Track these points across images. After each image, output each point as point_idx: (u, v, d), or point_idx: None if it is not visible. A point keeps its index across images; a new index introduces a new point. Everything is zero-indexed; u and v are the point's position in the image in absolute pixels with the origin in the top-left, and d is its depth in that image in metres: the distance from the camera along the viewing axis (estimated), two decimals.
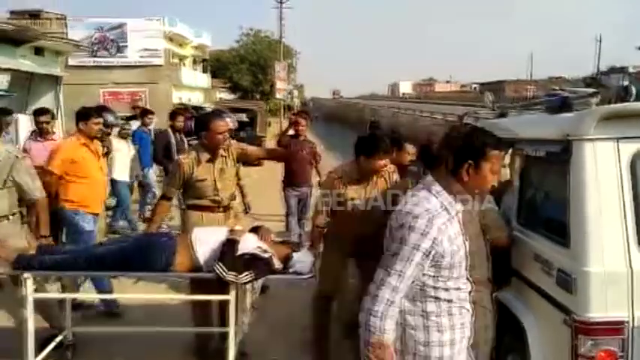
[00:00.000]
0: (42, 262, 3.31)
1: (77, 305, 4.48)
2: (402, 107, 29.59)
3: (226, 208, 4.08)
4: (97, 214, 4.75)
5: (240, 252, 3.29)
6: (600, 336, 2.23)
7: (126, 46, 29.37)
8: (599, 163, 2.33)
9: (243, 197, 5.92)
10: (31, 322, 3.26)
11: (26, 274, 3.20)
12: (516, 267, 2.97)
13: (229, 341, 3.36)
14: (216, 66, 43.60)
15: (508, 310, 2.94)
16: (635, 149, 2.33)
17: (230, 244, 3.32)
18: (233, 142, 4.14)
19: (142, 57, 29.47)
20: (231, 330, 3.34)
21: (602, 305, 2.23)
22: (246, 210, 5.99)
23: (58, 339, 3.70)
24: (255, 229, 3.70)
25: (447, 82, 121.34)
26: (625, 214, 2.28)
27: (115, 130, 7.35)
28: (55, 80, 15.07)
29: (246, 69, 42.21)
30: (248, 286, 3.32)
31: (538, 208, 2.92)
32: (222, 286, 3.29)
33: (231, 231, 3.47)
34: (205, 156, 3.90)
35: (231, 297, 3.27)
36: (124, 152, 7.57)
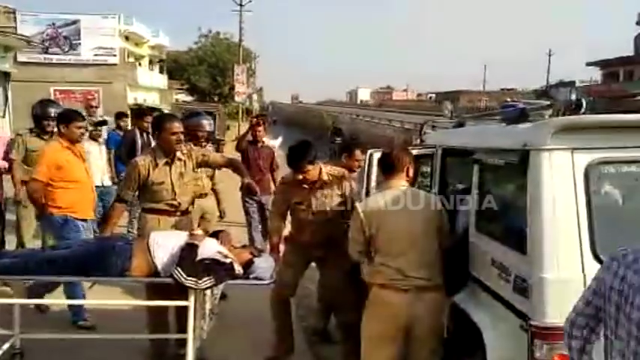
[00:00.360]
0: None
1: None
2: (361, 114, 29.90)
3: (185, 212, 3.99)
4: (85, 220, 4.53)
5: (200, 257, 3.23)
6: (556, 340, 2.28)
7: (79, 44, 28.41)
8: (555, 173, 2.40)
9: (218, 203, 5.79)
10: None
11: None
12: (474, 272, 3.02)
13: (188, 347, 3.28)
14: (174, 67, 42.84)
15: (465, 315, 2.99)
16: (590, 159, 2.42)
17: (189, 249, 3.25)
18: (195, 147, 4.09)
19: (96, 55, 28.58)
20: (190, 336, 3.27)
21: (557, 310, 2.29)
22: (221, 215, 5.88)
23: (6, 346, 3.52)
24: (215, 234, 3.64)
25: (404, 90, 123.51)
26: (579, 222, 2.36)
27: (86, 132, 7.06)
28: (4, 76, 14.41)
29: (205, 71, 41.69)
30: (208, 292, 3.25)
31: (496, 215, 2.98)
32: (180, 291, 3.21)
33: (191, 235, 3.39)
34: (162, 159, 3.82)
35: (190, 303, 3.20)
36: (95, 155, 7.22)
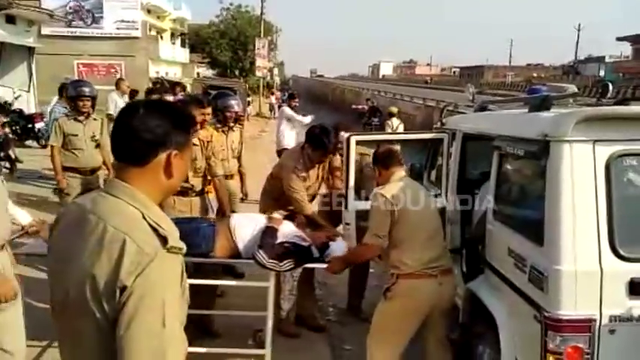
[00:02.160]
0: None
1: None
2: (381, 90, 29.58)
3: (200, 193, 4.06)
4: None
5: (280, 240, 3.30)
6: (569, 333, 2.30)
7: (102, 17, 28.47)
8: (576, 164, 2.37)
9: (242, 184, 5.87)
10: None
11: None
12: (491, 260, 3.03)
13: (267, 326, 3.38)
14: (196, 40, 42.75)
15: (480, 302, 3.02)
16: (611, 152, 2.38)
17: (270, 232, 3.33)
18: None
19: (118, 28, 28.63)
20: (270, 315, 3.36)
21: (572, 303, 2.30)
22: (243, 198, 5.95)
23: None
24: (291, 217, 3.69)
25: (428, 64, 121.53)
26: (598, 215, 2.34)
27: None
28: (28, 51, 14.59)
29: (226, 44, 41.49)
30: (288, 274, 3.34)
31: (514, 204, 2.97)
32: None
33: (270, 218, 3.48)
34: None
35: (270, 284, 3.30)
36: None
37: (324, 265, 3.40)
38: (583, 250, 2.32)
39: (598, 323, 2.30)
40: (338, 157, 4.16)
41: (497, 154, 3.07)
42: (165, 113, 1.39)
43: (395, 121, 11.22)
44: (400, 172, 3.28)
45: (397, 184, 3.19)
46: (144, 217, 1.31)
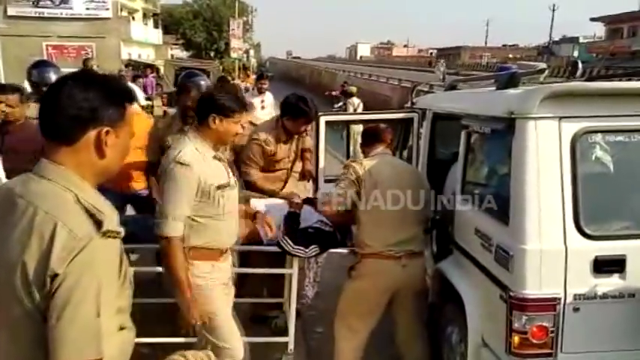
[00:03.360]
0: None
1: None
2: (358, 71, 29.46)
3: None
4: None
5: (303, 225, 3.24)
6: (534, 312, 2.28)
7: None
8: (541, 142, 2.33)
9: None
10: None
11: None
12: (459, 240, 3.01)
13: (291, 313, 3.34)
14: (169, 21, 41.85)
15: (449, 282, 2.99)
16: (577, 128, 2.34)
17: (293, 218, 3.26)
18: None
19: (88, 9, 27.85)
20: (293, 302, 3.32)
21: (536, 282, 2.28)
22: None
23: None
24: (309, 201, 3.59)
25: (405, 46, 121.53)
26: (563, 194, 2.31)
27: None
28: None
29: (200, 25, 40.76)
30: (312, 260, 3.27)
31: (481, 184, 2.94)
32: (275, 258, 3.29)
33: (291, 203, 3.40)
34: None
35: (294, 270, 3.25)
36: None
37: (347, 250, 3.38)
38: (548, 228, 2.29)
39: (563, 302, 2.29)
40: (308, 138, 4.05)
41: (465, 132, 3.02)
42: (94, 86, 1.28)
43: (355, 100, 11.48)
44: (378, 149, 3.21)
45: (372, 159, 3.15)
46: (78, 200, 1.22)
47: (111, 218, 1.26)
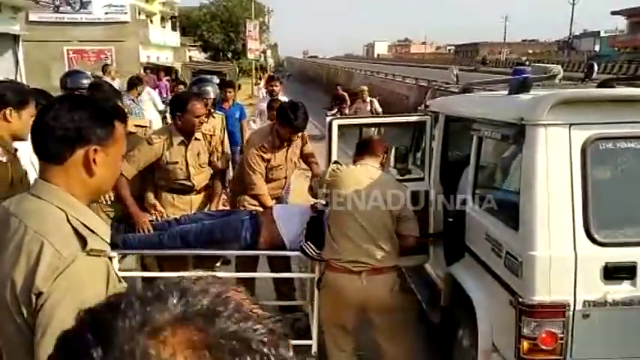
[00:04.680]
0: (125, 240, 3.19)
1: None
2: (374, 70, 29.37)
3: (201, 190, 3.88)
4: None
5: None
6: (543, 318, 2.29)
7: (90, 2, 28.08)
8: (551, 148, 2.34)
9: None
10: None
11: (112, 253, 3.08)
12: (469, 244, 3.02)
13: (313, 316, 3.37)
14: (187, 23, 42.19)
15: (460, 286, 3.01)
16: (587, 135, 2.34)
17: (316, 223, 3.30)
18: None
19: (107, 13, 28.25)
20: (316, 305, 3.32)
21: (546, 288, 2.28)
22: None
23: None
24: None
25: (423, 43, 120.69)
26: (573, 200, 2.31)
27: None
28: (13, 38, 14.37)
29: (218, 27, 41.05)
30: None
31: (492, 189, 2.95)
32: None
33: (314, 209, 3.45)
34: (178, 137, 3.64)
35: (315, 275, 3.26)
36: None
37: None
38: (558, 235, 2.30)
39: (572, 308, 2.29)
40: (309, 144, 4.08)
41: (477, 137, 3.03)
42: (80, 107, 1.32)
43: (374, 102, 10.28)
44: (363, 161, 3.15)
45: (350, 169, 3.14)
46: (68, 219, 1.27)
47: (99, 235, 1.29)
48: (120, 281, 1.37)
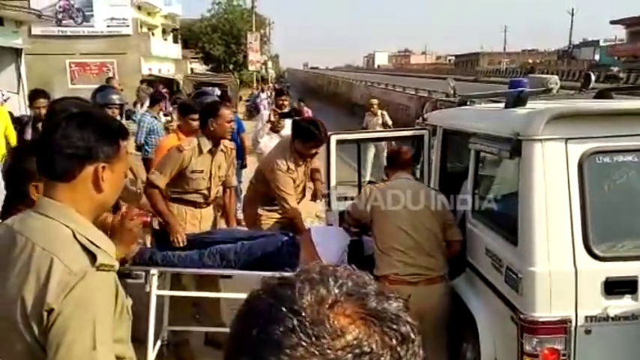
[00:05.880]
0: (165, 257, 3.14)
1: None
2: (374, 81, 29.47)
3: (210, 204, 3.81)
4: None
5: (367, 253, 3.29)
6: (545, 335, 2.27)
7: (92, 15, 28.26)
8: (548, 163, 2.33)
9: None
10: (153, 319, 3.06)
11: (153, 271, 3.01)
12: (470, 259, 3.00)
13: None
14: (188, 36, 42.46)
15: (462, 301, 2.99)
16: (584, 149, 2.34)
17: (356, 246, 3.30)
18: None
19: (109, 26, 28.43)
20: None
21: (546, 304, 2.27)
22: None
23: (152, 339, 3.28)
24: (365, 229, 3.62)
25: (423, 53, 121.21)
26: (572, 214, 2.30)
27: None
28: (15, 52, 14.47)
29: (219, 39, 41.25)
30: None
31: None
32: None
33: (352, 232, 3.42)
34: (207, 146, 3.54)
35: None
36: None
37: None
38: (557, 250, 2.28)
39: (574, 324, 2.27)
40: (316, 159, 4.08)
41: (474, 151, 3.03)
42: (88, 125, 1.34)
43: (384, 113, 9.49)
44: (398, 174, 3.25)
45: (389, 186, 3.20)
46: (75, 236, 1.27)
47: (107, 252, 1.30)
48: (126, 296, 1.37)
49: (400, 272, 2.95)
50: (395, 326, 0.59)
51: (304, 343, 0.55)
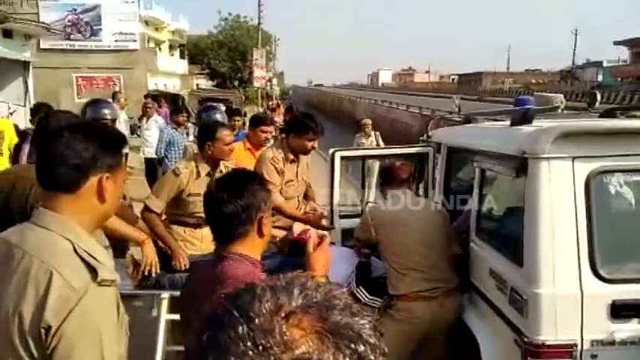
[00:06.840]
0: (173, 280, 3.04)
1: None
2: (379, 98, 29.60)
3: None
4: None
5: (374, 275, 3.24)
6: (550, 358, 2.21)
7: (100, 30, 28.56)
8: (554, 182, 2.29)
9: None
10: (162, 343, 2.95)
11: (164, 294, 2.95)
12: (473, 280, 2.95)
13: None
14: (194, 51, 42.85)
15: (464, 323, 2.93)
16: (591, 168, 2.30)
17: (365, 267, 3.26)
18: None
19: (117, 41, 28.72)
20: None
21: (552, 328, 2.21)
22: None
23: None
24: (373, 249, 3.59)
25: (427, 72, 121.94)
26: (578, 235, 2.25)
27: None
28: (23, 65, 14.60)
29: (225, 55, 41.61)
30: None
31: (495, 223, 2.90)
32: None
33: (360, 253, 3.38)
34: (205, 169, 3.48)
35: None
36: None
37: None
38: (563, 271, 2.23)
39: (579, 348, 2.21)
40: (306, 177, 3.94)
41: (479, 169, 2.99)
42: (91, 135, 1.32)
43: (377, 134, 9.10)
44: (393, 191, 3.20)
45: (389, 204, 3.17)
46: (75, 250, 1.24)
47: (107, 266, 1.27)
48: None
49: (421, 289, 2.92)
50: (353, 345, 0.56)
51: (251, 352, 0.54)
